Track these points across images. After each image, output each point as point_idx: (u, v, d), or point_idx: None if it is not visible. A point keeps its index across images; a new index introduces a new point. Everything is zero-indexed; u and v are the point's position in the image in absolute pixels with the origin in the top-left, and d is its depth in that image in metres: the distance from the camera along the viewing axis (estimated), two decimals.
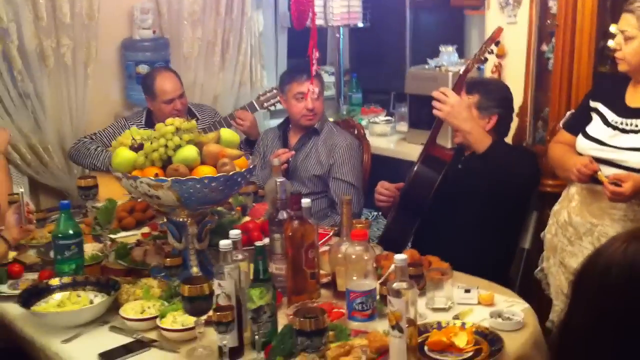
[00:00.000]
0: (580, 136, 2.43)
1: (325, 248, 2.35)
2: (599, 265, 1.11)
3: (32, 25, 3.53)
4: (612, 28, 2.42)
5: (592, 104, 2.45)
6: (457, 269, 2.22)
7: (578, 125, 2.47)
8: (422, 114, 3.60)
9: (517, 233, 2.89)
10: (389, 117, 4.23)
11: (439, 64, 3.73)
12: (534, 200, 2.91)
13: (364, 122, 4.10)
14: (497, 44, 2.81)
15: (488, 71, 3.34)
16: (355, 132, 3.45)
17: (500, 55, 3.27)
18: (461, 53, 3.99)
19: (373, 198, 3.07)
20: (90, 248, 2.43)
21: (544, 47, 3.02)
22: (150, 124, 3.42)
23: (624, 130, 2.33)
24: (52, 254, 2.30)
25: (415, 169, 2.86)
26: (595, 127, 2.40)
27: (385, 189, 2.99)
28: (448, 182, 2.78)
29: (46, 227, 2.63)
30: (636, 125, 2.32)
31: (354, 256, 1.99)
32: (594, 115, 2.43)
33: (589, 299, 1.10)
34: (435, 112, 2.64)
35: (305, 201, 2.09)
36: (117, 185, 3.11)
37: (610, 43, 2.42)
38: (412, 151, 3.49)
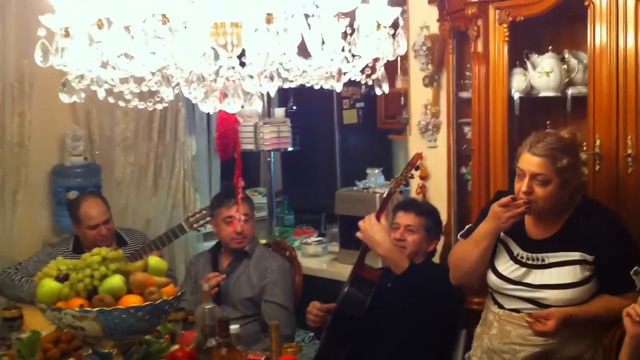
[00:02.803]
0: (490, 272, 2.46)
1: None
2: None
3: None
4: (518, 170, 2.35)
5: None
6: None
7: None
8: (352, 235, 3.66)
9: (449, 353, 2.92)
10: (320, 238, 4.30)
11: (366, 186, 3.85)
12: (462, 318, 2.97)
13: (296, 243, 4.15)
14: (416, 168, 2.97)
15: (413, 191, 3.49)
16: (287, 254, 3.50)
17: (424, 177, 3.44)
18: (388, 174, 4.15)
19: (305, 319, 3.07)
20: None
21: (463, 169, 3.19)
22: (78, 250, 3.38)
23: (532, 266, 2.36)
24: None
25: (345, 290, 2.90)
26: (502, 262, 2.43)
27: (315, 309, 3.01)
28: (379, 302, 2.82)
29: None
30: (542, 260, 2.35)
31: None
32: (499, 245, 2.46)
33: None
34: (357, 234, 2.85)
35: (234, 327, 2.10)
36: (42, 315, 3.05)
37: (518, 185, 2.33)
38: (344, 271, 3.53)
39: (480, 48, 2.87)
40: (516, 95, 2.81)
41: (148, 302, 1.99)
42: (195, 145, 4.51)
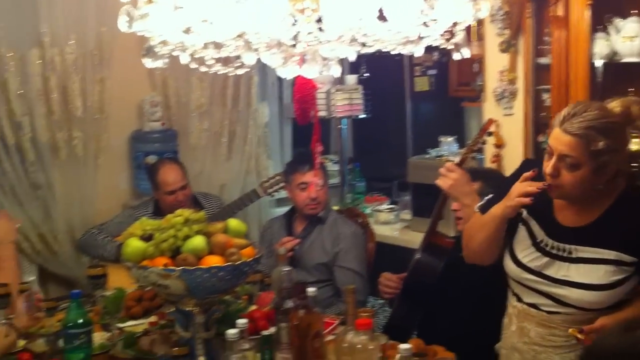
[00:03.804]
0: (508, 258, 2.15)
1: (331, 337, 2.37)
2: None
3: (45, 118, 3.66)
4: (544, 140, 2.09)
5: None
6: (462, 358, 2.24)
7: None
8: (425, 202, 3.67)
9: None
10: (392, 205, 4.31)
11: (439, 154, 3.83)
12: None
13: (367, 211, 4.17)
14: (490, 134, 2.91)
15: (487, 160, 3.44)
16: (360, 220, 3.52)
17: (499, 145, 3.39)
18: (460, 143, 4.10)
19: (377, 286, 3.10)
20: (98, 337, 2.44)
21: (541, 138, 3.13)
22: (157, 212, 3.50)
23: (556, 257, 2.04)
24: (60, 342, 2.32)
25: (418, 257, 2.91)
26: (522, 247, 2.11)
27: (388, 280, 3.02)
28: (451, 269, 2.82)
29: (55, 316, 2.64)
30: (569, 252, 2.01)
31: (359, 346, 2.01)
32: (520, 226, 2.14)
33: None
34: (438, 182, 2.62)
35: (311, 290, 2.13)
36: (125, 274, 3.17)
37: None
38: (416, 239, 3.53)
39: (560, 12, 2.80)
40: (598, 61, 2.73)
41: (229, 263, 2.04)
42: (267, 112, 4.56)
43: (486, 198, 2.26)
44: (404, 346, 1.72)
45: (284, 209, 3.66)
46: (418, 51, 1.79)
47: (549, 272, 2.03)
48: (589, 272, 1.98)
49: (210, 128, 4.24)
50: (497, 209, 2.08)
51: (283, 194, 3.70)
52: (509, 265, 2.14)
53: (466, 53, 1.81)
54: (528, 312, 2.10)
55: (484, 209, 2.21)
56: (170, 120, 4.14)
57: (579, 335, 1.94)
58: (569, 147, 1.89)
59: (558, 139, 1.92)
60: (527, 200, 1.98)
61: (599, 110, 1.92)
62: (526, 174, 2.01)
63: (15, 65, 3.53)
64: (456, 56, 1.87)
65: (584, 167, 1.90)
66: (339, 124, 4.37)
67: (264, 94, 4.57)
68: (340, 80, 4.30)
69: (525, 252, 2.10)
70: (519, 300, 2.14)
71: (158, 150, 3.96)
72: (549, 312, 2.04)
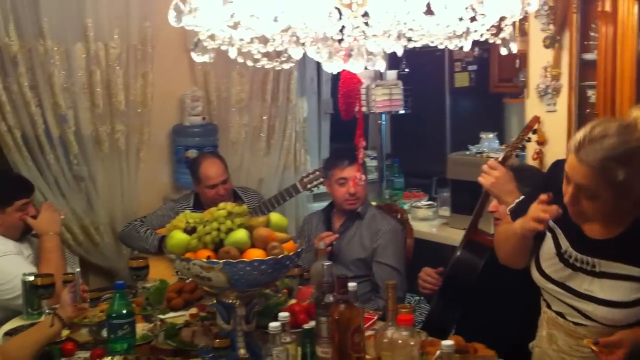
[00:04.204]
0: (533, 266, 2.08)
1: (370, 332, 2.37)
2: None
3: (89, 112, 3.72)
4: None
5: None
6: (502, 357, 2.22)
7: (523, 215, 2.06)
8: (464, 199, 3.65)
9: None
10: (431, 202, 4.29)
11: (479, 150, 3.80)
12: None
13: (406, 207, 4.16)
14: (534, 132, 2.86)
15: (529, 157, 3.40)
16: (398, 216, 3.51)
17: (541, 142, 3.34)
18: (501, 139, 4.06)
19: (415, 283, 3.09)
20: (140, 328, 2.48)
21: None
22: (198, 206, 3.53)
23: (579, 269, 1.94)
24: (103, 332, 2.36)
25: (458, 254, 2.88)
26: (547, 255, 2.03)
27: (428, 275, 3.01)
28: (491, 267, 2.79)
29: (98, 307, 2.70)
30: (593, 266, 1.91)
31: (400, 341, 2.00)
32: (547, 233, 2.05)
33: None
34: (480, 179, 2.56)
35: (352, 285, 2.13)
36: (165, 266, 3.22)
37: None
38: (454, 236, 3.52)
39: (607, 7, 2.75)
40: None
41: (271, 257, 2.06)
42: (306, 107, 4.57)
43: (517, 201, 2.19)
44: (446, 342, 1.71)
45: (321, 205, 3.67)
46: (466, 45, 1.77)
47: (572, 284, 1.95)
48: (612, 289, 1.89)
49: (249, 123, 4.26)
50: (517, 226, 2.01)
51: (322, 189, 3.71)
52: (534, 273, 2.07)
53: (514, 48, 1.79)
54: (556, 320, 2.04)
55: (514, 212, 2.15)
56: (211, 115, 4.17)
57: (594, 347, 1.86)
58: (585, 178, 1.76)
59: (574, 168, 1.78)
60: (540, 226, 1.90)
61: (619, 135, 1.73)
62: (542, 197, 1.90)
63: (60, 59, 3.60)
64: (503, 51, 1.84)
65: (605, 196, 1.77)
66: (378, 119, 4.37)
67: (303, 89, 4.58)
68: (380, 76, 4.29)
69: (548, 262, 2.01)
70: (548, 306, 2.08)
71: (198, 144, 4.00)
72: (575, 323, 1.98)
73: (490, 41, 1.77)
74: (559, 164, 1.93)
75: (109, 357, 2.18)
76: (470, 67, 4.67)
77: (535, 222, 1.91)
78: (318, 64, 4.66)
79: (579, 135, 1.77)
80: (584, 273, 1.91)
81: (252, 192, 3.85)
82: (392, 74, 4.31)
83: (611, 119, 1.79)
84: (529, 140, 2.93)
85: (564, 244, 1.95)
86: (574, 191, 1.79)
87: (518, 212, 2.10)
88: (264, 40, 1.90)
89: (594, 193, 1.76)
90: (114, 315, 2.22)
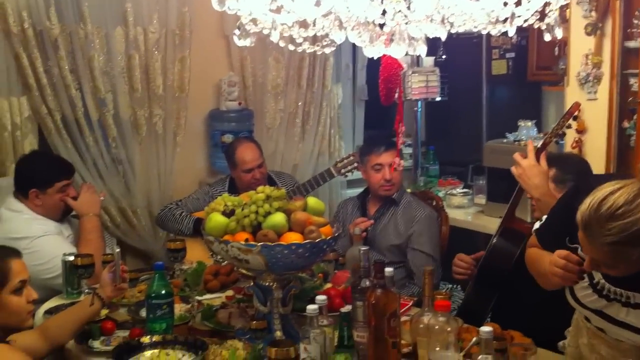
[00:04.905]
0: (568, 292, 1.98)
1: (405, 318, 2.37)
2: None
3: (128, 96, 3.77)
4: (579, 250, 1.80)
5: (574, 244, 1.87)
6: (538, 345, 2.20)
7: (549, 241, 2.01)
8: (500, 187, 3.61)
9: None
10: (466, 190, 4.26)
11: (517, 138, 3.76)
12: None
13: (440, 194, 4.13)
14: (575, 118, 2.83)
15: (568, 146, 3.36)
16: (434, 203, 3.49)
17: (581, 131, 3.30)
18: (539, 127, 4.01)
19: (449, 270, 3.08)
20: (178, 309, 2.51)
21: (626, 124, 3.03)
22: (233, 190, 3.56)
23: (614, 300, 1.85)
24: (142, 312, 2.40)
25: (494, 242, 2.86)
26: (580, 286, 1.91)
27: (462, 261, 3.00)
28: None
29: (137, 287, 2.74)
30: (627, 297, 1.81)
31: (436, 327, 2.00)
32: None
33: None
34: (512, 169, 2.58)
35: (388, 270, 2.13)
36: (200, 248, 3.25)
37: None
38: (490, 224, 3.50)
39: None
40: None
41: (308, 240, 2.07)
42: (341, 93, 4.57)
43: (542, 222, 2.10)
44: (485, 328, 1.71)
45: (354, 191, 3.67)
46: (510, 31, 1.76)
47: (610, 312, 1.87)
48: None
49: (285, 108, 4.28)
50: (544, 264, 1.92)
51: (356, 174, 3.71)
52: (569, 299, 1.98)
53: (559, 34, 1.76)
54: (597, 333, 1.97)
55: (540, 234, 2.08)
56: (247, 100, 4.20)
57: None
58: (598, 255, 1.67)
59: (585, 245, 1.69)
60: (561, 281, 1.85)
61: (628, 212, 1.58)
62: (565, 256, 1.80)
63: (100, 44, 3.64)
64: (547, 37, 1.82)
65: (623, 267, 1.67)
66: (415, 106, 4.34)
67: (338, 75, 4.58)
68: (417, 63, 4.27)
69: (583, 291, 1.92)
70: (587, 320, 1.99)
71: (234, 129, 4.02)
72: (617, 340, 1.91)
73: (535, 26, 1.75)
74: (580, 193, 1.78)
75: (148, 337, 2.22)
76: (508, 55, 4.61)
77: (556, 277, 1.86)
78: (354, 51, 4.67)
79: (585, 209, 1.64)
80: (620, 303, 1.84)
81: (286, 176, 3.86)
82: (429, 61, 4.27)
83: (620, 183, 1.62)
84: (569, 127, 2.90)
85: (597, 275, 1.86)
86: (591, 262, 1.72)
87: (543, 236, 2.06)
88: (305, 24, 1.90)
89: (612, 265, 1.68)
90: (153, 295, 2.26)
